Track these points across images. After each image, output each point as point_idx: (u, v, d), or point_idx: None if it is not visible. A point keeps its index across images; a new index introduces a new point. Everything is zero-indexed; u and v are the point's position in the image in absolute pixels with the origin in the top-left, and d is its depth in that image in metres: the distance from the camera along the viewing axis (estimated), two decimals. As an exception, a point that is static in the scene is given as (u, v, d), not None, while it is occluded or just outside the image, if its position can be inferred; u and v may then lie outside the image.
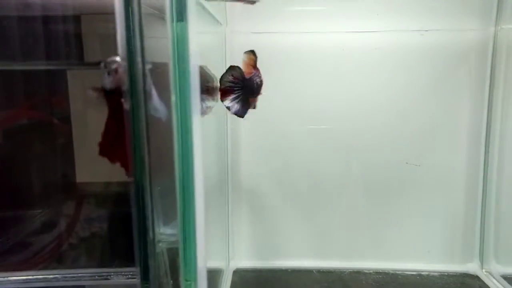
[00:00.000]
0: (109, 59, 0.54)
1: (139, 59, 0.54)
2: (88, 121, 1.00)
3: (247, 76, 0.78)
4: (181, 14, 0.56)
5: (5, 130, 0.99)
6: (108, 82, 0.56)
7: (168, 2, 0.55)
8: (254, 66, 0.78)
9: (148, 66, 0.56)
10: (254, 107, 0.80)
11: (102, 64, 0.55)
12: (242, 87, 0.78)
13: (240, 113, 0.78)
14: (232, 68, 0.77)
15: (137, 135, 0.56)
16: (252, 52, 0.78)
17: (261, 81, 0.79)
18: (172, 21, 0.56)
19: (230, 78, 0.77)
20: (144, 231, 0.58)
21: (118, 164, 0.60)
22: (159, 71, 0.68)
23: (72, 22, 0.95)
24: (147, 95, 0.57)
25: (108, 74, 0.55)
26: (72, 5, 0.90)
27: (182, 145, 0.57)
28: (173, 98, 0.56)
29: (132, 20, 0.54)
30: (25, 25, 0.91)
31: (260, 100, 0.98)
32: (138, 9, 0.55)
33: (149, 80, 0.55)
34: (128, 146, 0.56)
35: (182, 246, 0.60)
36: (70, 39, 0.93)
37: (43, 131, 1.01)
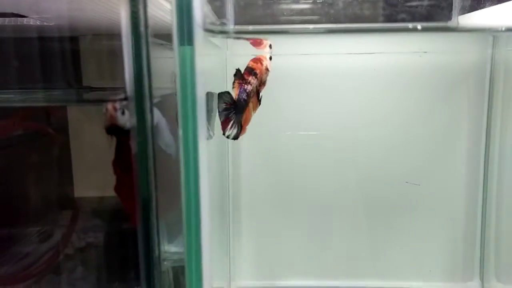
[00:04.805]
0: (118, 97, 0.55)
1: (146, 92, 0.54)
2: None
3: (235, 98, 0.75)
4: (188, 38, 0.57)
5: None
6: (124, 120, 0.56)
7: (176, 26, 0.56)
8: (241, 83, 0.75)
9: (156, 100, 0.56)
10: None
11: (115, 104, 0.54)
12: (235, 111, 0.75)
13: (237, 136, 0.75)
14: (221, 95, 0.74)
15: (143, 154, 0.56)
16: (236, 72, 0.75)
17: (247, 94, 0.75)
18: (180, 45, 0.57)
19: (224, 105, 0.73)
20: (149, 250, 0.58)
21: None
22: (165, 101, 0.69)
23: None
24: (153, 123, 0.57)
25: (123, 113, 0.56)
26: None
27: (189, 166, 0.57)
28: (180, 123, 0.56)
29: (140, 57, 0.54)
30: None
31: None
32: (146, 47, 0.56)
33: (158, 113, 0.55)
34: (135, 164, 0.56)
35: (188, 266, 0.59)
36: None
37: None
